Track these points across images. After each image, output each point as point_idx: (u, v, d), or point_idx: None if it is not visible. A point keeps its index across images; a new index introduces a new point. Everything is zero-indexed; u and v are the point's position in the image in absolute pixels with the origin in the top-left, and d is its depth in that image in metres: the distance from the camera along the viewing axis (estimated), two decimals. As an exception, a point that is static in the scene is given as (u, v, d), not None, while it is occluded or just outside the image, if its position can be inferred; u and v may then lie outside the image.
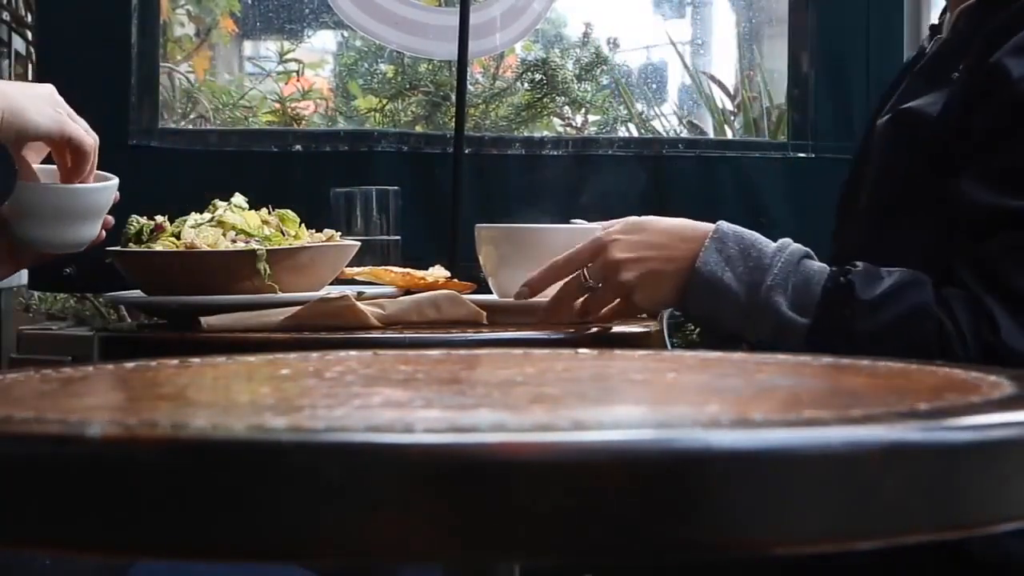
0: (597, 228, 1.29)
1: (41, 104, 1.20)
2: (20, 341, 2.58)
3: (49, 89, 1.24)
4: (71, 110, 1.24)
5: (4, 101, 1.16)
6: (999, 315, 1.04)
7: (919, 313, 1.07)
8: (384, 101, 3.08)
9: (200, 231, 1.35)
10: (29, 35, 3.15)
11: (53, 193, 1.27)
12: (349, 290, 1.34)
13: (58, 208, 1.27)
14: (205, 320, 1.26)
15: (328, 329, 1.23)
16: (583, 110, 3.15)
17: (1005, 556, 1.00)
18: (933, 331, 1.06)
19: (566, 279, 1.23)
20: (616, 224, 1.22)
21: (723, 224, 1.17)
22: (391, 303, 1.31)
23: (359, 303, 1.25)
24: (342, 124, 3.13)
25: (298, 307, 1.26)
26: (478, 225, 1.45)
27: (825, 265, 1.13)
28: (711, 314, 1.18)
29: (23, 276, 2.16)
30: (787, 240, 1.15)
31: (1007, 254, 1.05)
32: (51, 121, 1.20)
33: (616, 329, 1.28)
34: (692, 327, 2.18)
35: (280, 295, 1.30)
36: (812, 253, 1.15)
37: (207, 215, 1.39)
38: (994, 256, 1.05)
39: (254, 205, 1.43)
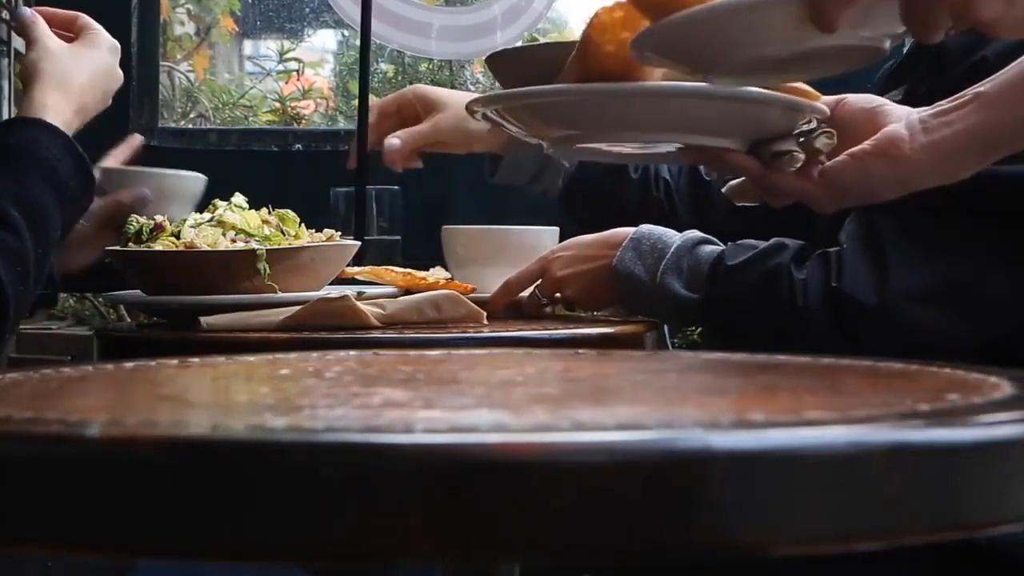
0: (554, 230, 1.40)
1: (98, 95, 1.30)
2: (20, 341, 2.58)
3: (107, 65, 1.33)
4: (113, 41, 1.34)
5: (82, 106, 1.26)
6: (849, 263, 1.11)
7: (774, 272, 1.15)
8: (384, 101, 3.08)
9: (200, 231, 1.35)
10: (29, 34, 3.15)
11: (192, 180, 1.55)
12: (349, 290, 1.34)
13: (186, 192, 1.52)
14: (205, 320, 1.26)
15: (328, 329, 1.23)
16: (583, 109, 3.15)
17: (1013, 547, 1.01)
18: (784, 286, 1.14)
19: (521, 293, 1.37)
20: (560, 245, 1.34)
21: (644, 227, 1.29)
22: (391, 303, 1.31)
23: (359, 303, 1.25)
24: (342, 123, 3.13)
25: (298, 307, 1.26)
26: (444, 227, 1.55)
27: (717, 246, 1.24)
28: (634, 307, 1.30)
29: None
30: (692, 231, 1.26)
31: (900, 220, 1.10)
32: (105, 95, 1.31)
33: (616, 329, 1.28)
34: (692, 327, 2.18)
35: (280, 295, 1.30)
36: (712, 239, 1.25)
37: (207, 215, 1.39)
38: (889, 222, 1.11)
39: (254, 205, 1.43)
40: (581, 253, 1.33)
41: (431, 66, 3.05)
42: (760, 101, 0.99)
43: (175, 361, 0.76)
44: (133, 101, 2.31)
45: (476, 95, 1.12)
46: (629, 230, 1.29)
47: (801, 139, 1.01)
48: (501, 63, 1.18)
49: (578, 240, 1.35)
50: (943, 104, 0.97)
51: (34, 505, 0.42)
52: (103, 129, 2.27)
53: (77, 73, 1.27)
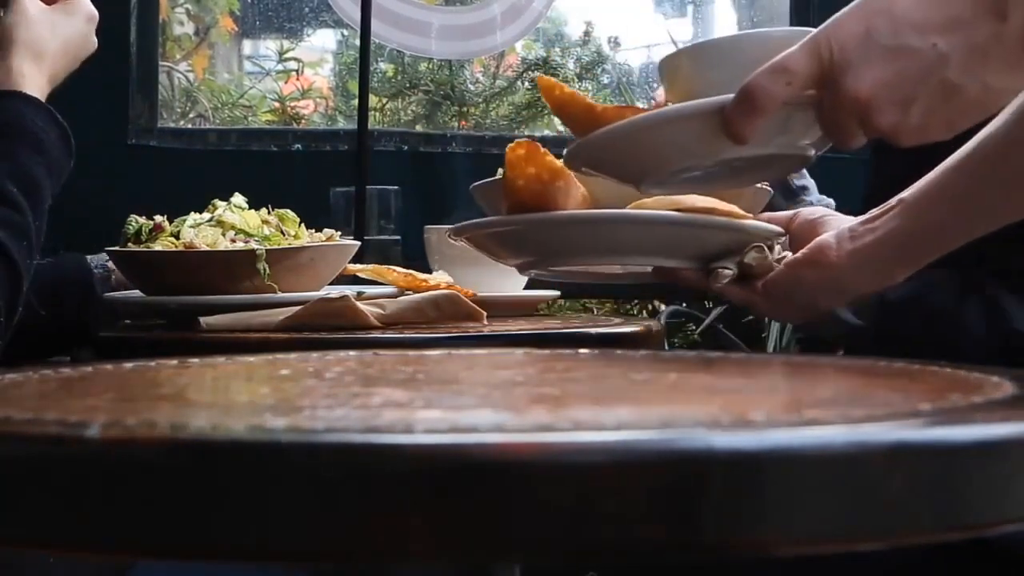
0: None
1: (71, 61, 1.30)
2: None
3: (79, 33, 1.30)
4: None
5: (50, 70, 1.25)
6: (1010, 306, 1.06)
7: (938, 314, 1.08)
8: (384, 100, 3.08)
9: (199, 231, 1.35)
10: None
11: None
12: (349, 290, 1.34)
13: None
14: (204, 320, 1.26)
15: (328, 329, 1.23)
16: (583, 109, 3.15)
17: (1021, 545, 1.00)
18: (950, 328, 1.07)
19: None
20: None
21: None
22: (391, 303, 1.31)
23: (359, 303, 1.25)
24: (342, 123, 3.14)
25: (298, 307, 1.26)
26: (427, 227, 1.55)
27: None
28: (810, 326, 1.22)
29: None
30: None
31: None
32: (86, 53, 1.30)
33: (616, 329, 1.28)
34: (693, 327, 2.18)
35: (280, 295, 1.30)
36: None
37: (206, 215, 1.39)
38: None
39: (253, 205, 1.43)
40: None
41: (431, 66, 3.05)
42: (694, 225, 1.00)
43: (175, 361, 0.76)
44: (132, 101, 2.31)
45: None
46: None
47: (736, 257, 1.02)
48: (485, 192, 1.20)
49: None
50: (874, 211, 0.99)
51: (34, 505, 0.42)
52: (103, 128, 2.27)
53: (51, 40, 1.27)
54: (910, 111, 0.75)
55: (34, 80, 1.23)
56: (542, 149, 1.05)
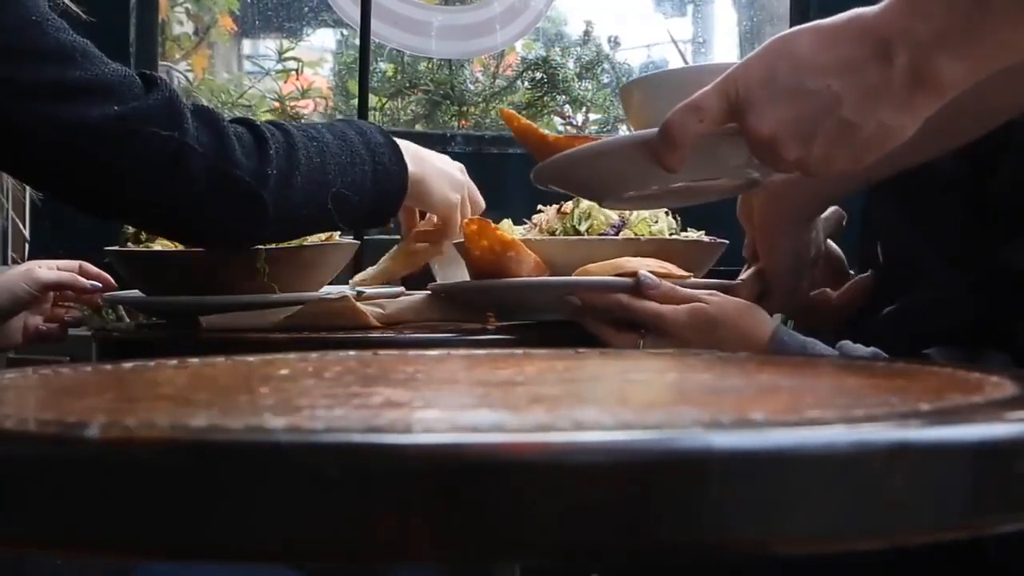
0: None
1: (443, 182, 1.35)
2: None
3: (457, 168, 1.39)
4: (472, 187, 1.40)
5: (418, 169, 1.31)
6: None
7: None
8: (384, 100, 3.08)
9: (199, 230, 1.35)
10: None
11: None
12: (347, 290, 1.34)
13: None
14: (205, 319, 1.26)
15: (328, 329, 1.23)
16: (584, 108, 3.15)
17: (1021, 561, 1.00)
18: None
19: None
20: (682, 311, 1.18)
21: (781, 331, 1.17)
22: (391, 303, 1.32)
23: (359, 303, 1.25)
24: (342, 123, 3.13)
25: (297, 307, 1.26)
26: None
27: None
28: None
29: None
30: (847, 344, 1.13)
31: None
32: (443, 203, 1.35)
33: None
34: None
35: (279, 295, 1.30)
36: (880, 351, 1.11)
37: (206, 215, 1.39)
38: None
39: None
40: (711, 345, 1.19)
41: (430, 65, 3.05)
42: (602, 287, 1.19)
43: (174, 361, 0.76)
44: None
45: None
46: (763, 328, 1.16)
47: None
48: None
49: (712, 323, 1.17)
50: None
51: (34, 505, 0.42)
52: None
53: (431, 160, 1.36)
54: (812, 147, 0.80)
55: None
56: (493, 225, 1.24)
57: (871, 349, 1.10)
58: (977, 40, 0.74)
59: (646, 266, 1.20)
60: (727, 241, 1.34)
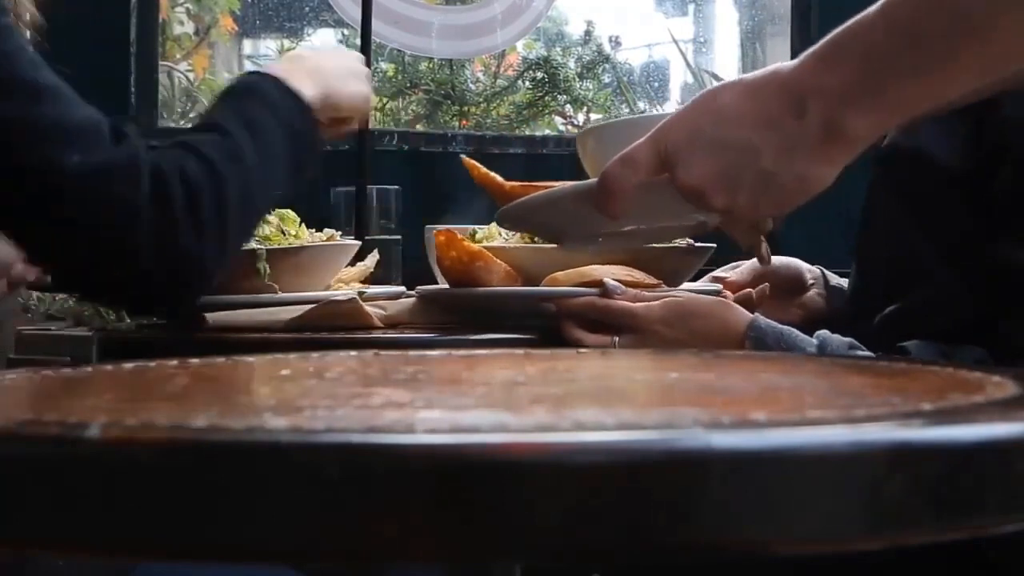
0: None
1: (347, 84, 1.30)
2: (19, 341, 2.57)
3: (354, 58, 1.36)
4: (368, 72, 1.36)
5: (319, 88, 1.25)
6: None
7: None
8: (385, 100, 3.08)
9: (200, 230, 1.35)
10: (28, 34, 3.15)
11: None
12: (349, 292, 1.34)
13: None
14: (211, 316, 1.26)
15: (329, 329, 1.23)
16: (585, 108, 3.15)
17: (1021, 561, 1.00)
18: None
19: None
20: (655, 306, 1.20)
21: (758, 321, 1.18)
22: (391, 304, 1.32)
23: (364, 304, 1.26)
24: (342, 123, 3.13)
25: (303, 306, 1.26)
26: (427, 226, 1.56)
27: (871, 355, 1.10)
28: None
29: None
30: (825, 334, 1.15)
31: None
32: (355, 105, 1.31)
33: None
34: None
35: (280, 295, 1.30)
36: (856, 343, 1.13)
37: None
38: None
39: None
40: (685, 339, 1.20)
41: (431, 65, 3.05)
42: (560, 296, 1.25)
43: (175, 362, 0.76)
44: (132, 101, 2.31)
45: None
46: (741, 318, 1.19)
47: None
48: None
49: (682, 314, 1.20)
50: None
51: (34, 505, 0.42)
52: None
53: (322, 60, 1.32)
54: (737, 196, 0.85)
55: (292, 74, 1.24)
56: (459, 236, 1.30)
57: (848, 340, 1.11)
58: (880, 96, 0.78)
59: (612, 274, 1.23)
60: (713, 245, 1.34)
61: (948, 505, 0.44)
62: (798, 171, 0.82)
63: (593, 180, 0.92)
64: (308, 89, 1.24)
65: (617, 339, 1.20)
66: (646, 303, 1.20)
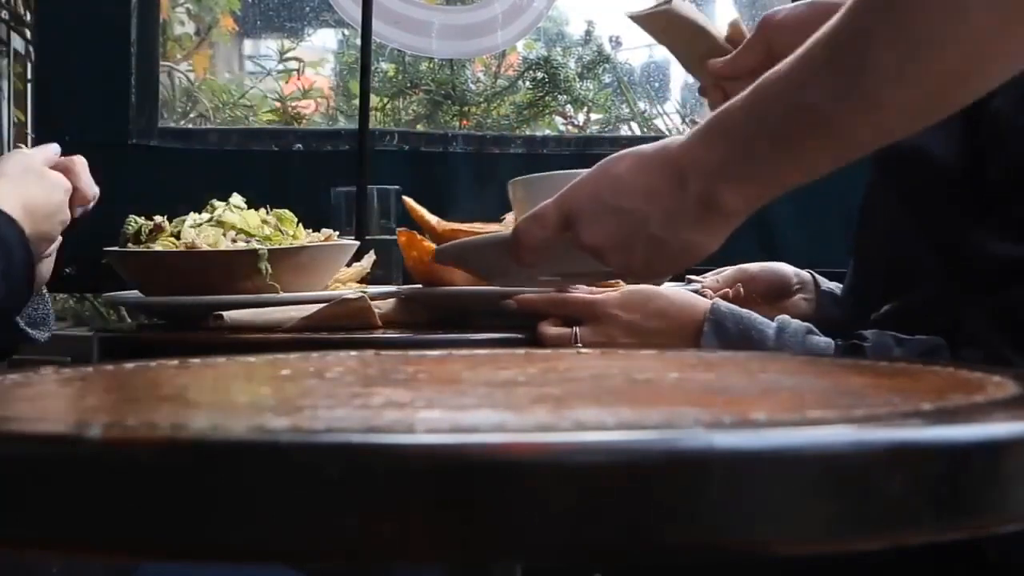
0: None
1: (50, 221, 1.18)
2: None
3: (52, 188, 1.19)
4: (65, 183, 1.20)
5: (30, 225, 1.15)
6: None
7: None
8: (385, 100, 3.08)
9: (201, 231, 1.35)
10: (28, 34, 3.15)
11: None
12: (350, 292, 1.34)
13: None
14: (226, 315, 1.27)
15: (338, 329, 1.24)
16: (585, 109, 3.15)
17: (1021, 562, 1.00)
18: None
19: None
20: (613, 294, 1.24)
21: (718, 304, 1.21)
22: (385, 303, 1.33)
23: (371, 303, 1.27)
24: (343, 123, 3.13)
25: (311, 305, 1.27)
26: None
27: (830, 340, 1.13)
28: None
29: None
30: (785, 318, 1.17)
31: None
32: (58, 227, 1.19)
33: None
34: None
35: (280, 295, 1.30)
36: (814, 328, 1.15)
37: (205, 215, 1.39)
38: (1013, 307, 1.04)
39: (253, 205, 1.43)
40: (645, 324, 1.21)
41: (432, 65, 3.05)
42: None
43: (175, 362, 0.76)
44: (133, 101, 2.31)
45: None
46: (701, 303, 1.21)
47: None
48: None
49: (641, 299, 1.22)
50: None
51: (34, 505, 0.42)
52: (103, 128, 2.27)
53: (31, 178, 1.19)
54: (631, 257, 0.92)
55: (7, 199, 1.14)
56: (418, 236, 1.33)
57: (807, 325, 1.13)
58: (748, 175, 0.85)
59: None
60: None
61: (948, 505, 0.44)
62: (683, 238, 0.89)
63: (508, 232, 1.01)
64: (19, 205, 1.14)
65: (577, 330, 1.21)
66: (605, 292, 1.23)
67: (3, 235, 1.11)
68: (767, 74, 0.82)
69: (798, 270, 1.46)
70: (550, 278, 1.14)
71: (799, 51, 0.80)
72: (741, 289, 1.39)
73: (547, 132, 3.06)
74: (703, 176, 0.86)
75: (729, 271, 1.47)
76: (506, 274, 1.14)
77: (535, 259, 0.97)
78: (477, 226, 1.28)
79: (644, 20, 1.24)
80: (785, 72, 0.81)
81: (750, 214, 0.90)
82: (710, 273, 1.48)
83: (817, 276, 1.46)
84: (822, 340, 1.13)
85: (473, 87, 3.11)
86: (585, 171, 0.96)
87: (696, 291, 1.35)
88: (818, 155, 0.83)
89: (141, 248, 1.37)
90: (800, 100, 0.80)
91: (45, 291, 1.25)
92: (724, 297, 1.34)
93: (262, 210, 1.42)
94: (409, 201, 1.38)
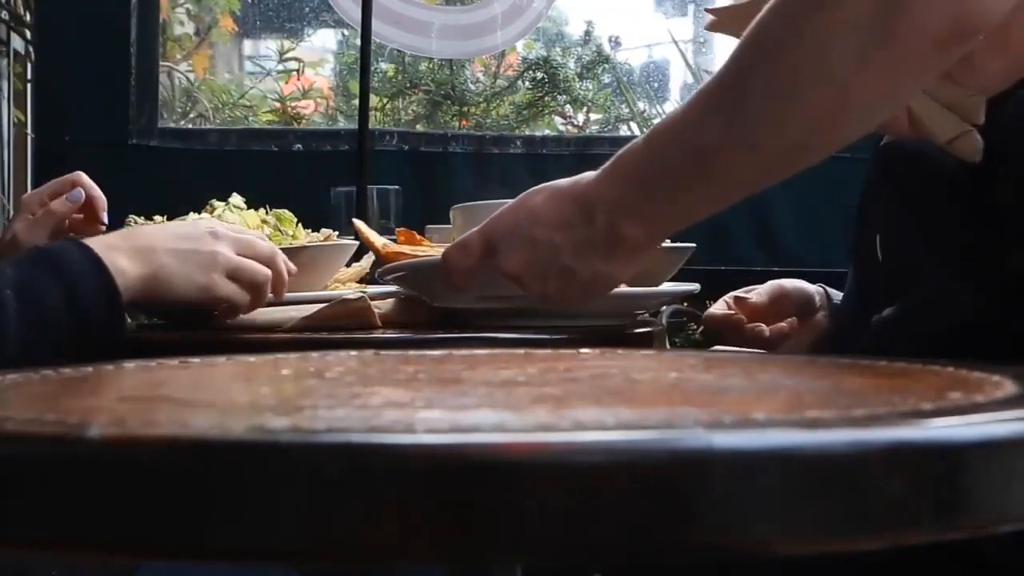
0: None
1: (192, 269, 1.14)
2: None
3: (205, 245, 1.16)
4: (231, 258, 1.17)
5: (144, 267, 1.12)
6: None
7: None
8: (385, 100, 3.08)
9: (200, 231, 1.35)
10: (28, 34, 3.15)
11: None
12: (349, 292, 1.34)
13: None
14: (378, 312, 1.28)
15: (329, 329, 1.24)
16: (585, 109, 3.15)
17: (1019, 562, 1.00)
18: None
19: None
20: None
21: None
22: (384, 303, 1.33)
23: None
24: (342, 123, 3.13)
25: (311, 305, 1.27)
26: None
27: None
28: None
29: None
30: None
31: None
32: (197, 290, 1.15)
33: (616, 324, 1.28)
34: (694, 327, 2.18)
35: (285, 294, 1.30)
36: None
37: (205, 215, 1.39)
38: None
39: (252, 205, 1.43)
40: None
41: (431, 65, 3.05)
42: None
43: (175, 361, 0.76)
44: (133, 101, 2.31)
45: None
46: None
47: None
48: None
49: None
50: None
51: (34, 505, 0.42)
52: (103, 128, 2.27)
53: (155, 234, 1.17)
54: (546, 285, 0.96)
55: (114, 248, 1.11)
56: (418, 236, 1.38)
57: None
58: (651, 210, 0.89)
59: None
60: (692, 245, 1.34)
61: (948, 505, 0.44)
62: (593, 269, 0.93)
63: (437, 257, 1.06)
64: (127, 266, 1.11)
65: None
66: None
67: (67, 259, 1.07)
68: (667, 114, 0.88)
69: (813, 286, 1.46)
70: (480, 304, 1.19)
71: (697, 90, 0.85)
72: (795, 321, 1.38)
73: (546, 132, 3.07)
74: (608, 211, 0.90)
75: (766, 287, 1.46)
76: (443, 296, 1.19)
77: (463, 283, 1.02)
78: (420, 249, 1.31)
79: (731, 14, 1.14)
80: (680, 112, 0.85)
81: (657, 245, 0.96)
82: (743, 289, 1.46)
83: (828, 289, 1.46)
84: None
85: (473, 87, 3.12)
86: (511, 200, 1.01)
87: (731, 313, 1.35)
88: (708, 194, 0.87)
89: (141, 248, 1.36)
90: (690, 141, 0.84)
91: None
92: (781, 331, 1.35)
93: (262, 210, 1.42)
94: (358, 223, 1.40)
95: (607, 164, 0.91)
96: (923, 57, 0.77)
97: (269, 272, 1.20)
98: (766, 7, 0.80)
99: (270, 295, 1.21)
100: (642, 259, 0.95)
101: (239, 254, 1.18)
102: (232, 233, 1.19)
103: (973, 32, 0.76)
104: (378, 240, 1.35)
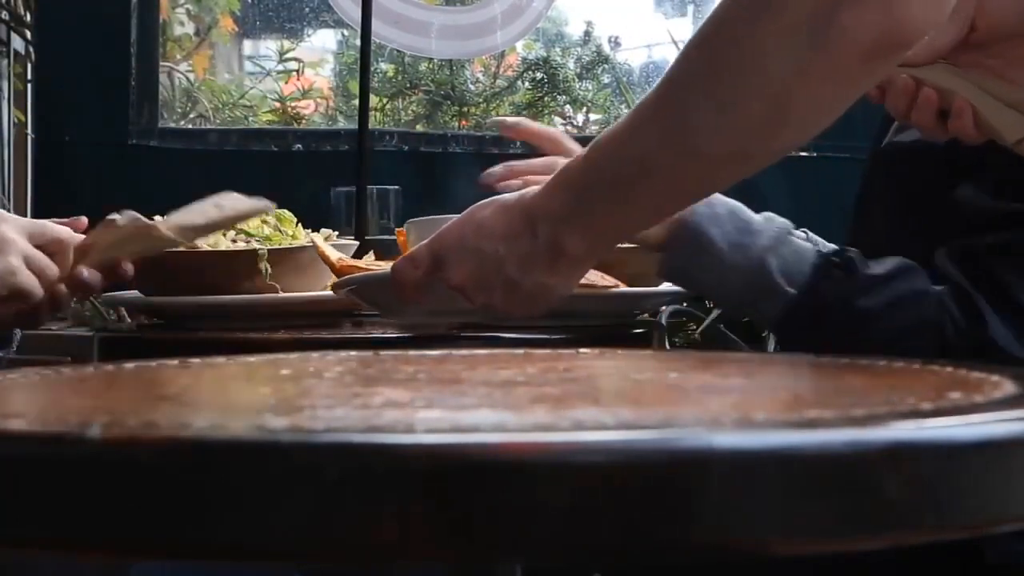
0: None
1: None
2: (20, 341, 2.57)
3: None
4: (25, 246, 1.16)
5: None
6: (986, 311, 1.04)
7: (920, 296, 1.06)
8: (385, 100, 3.08)
9: (201, 230, 1.35)
10: (28, 34, 3.15)
11: None
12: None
13: None
14: (163, 223, 1.19)
15: (318, 326, 1.24)
16: (584, 109, 3.15)
17: (1019, 562, 1.00)
18: (932, 316, 1.05)
19: None
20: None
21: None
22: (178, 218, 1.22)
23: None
24: (342, 123, 3.13)
25: (294, 298, 1.26)
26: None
27: (810, 244, 1.12)
28: (687, 267, 1.13)
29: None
30: (771, 214, 1.16)
31: (997, 251, 1.05)
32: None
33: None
34: (693, 326, 2.17)
35: (281, 295, 1.30)
36: (794, 230, 1.15)
37: (206, 215, 1.39)
38: (983, 252, 1.05)
39: (253, 205, 1.43)
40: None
41: (431, 65, 3.05)
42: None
43: (175, 362, 0.76)
44: (133, 101, 2.31)
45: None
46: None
47: None
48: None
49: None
50: None
51: (34, 505, 0.42)
52: (103, 129, 2.27)
53: None
54: (492, 297, 0.96)
55: None
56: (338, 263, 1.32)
57: (788, 223, 1.14)
58: (591, 222, 0.89)
59: None
60: None
61: (948, 505, 0.44)
62: (536, 280, 0.93)
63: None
64: None
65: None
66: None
67: None
68: (609, 127, 0.88)
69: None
70: (431, 319, 1.21)
71: (639, 102, 0.85)
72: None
73: (333, 259, 3.05)
74: (550, 223, 0.91)
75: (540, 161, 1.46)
76: (395, 309, 1.21)
77: (413, 297, 1.02)
78: (375, 263, 1.31)
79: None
80: (621, 123, 0.86)
81: (599, 257, 0.97)
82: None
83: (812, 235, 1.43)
84: (802, 239, 1.12)
85: (472, 87, 3.11)
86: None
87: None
88: (649, 203, 0.88)
89: (141, 248, 1.36)
90: (631, 150, 0.84)
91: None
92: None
93: (262, 210, 1.41)
94: (315, 237, 1.38)
95: (551, 177, 0.92)
96: (853, 68, 0.77)
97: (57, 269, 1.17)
98: (707, 17, 0.81)
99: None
100: (586, 270, 0.97)
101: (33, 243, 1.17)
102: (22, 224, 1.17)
103: (902, 45, 0.77)
104: (333, 254, 1.35)
